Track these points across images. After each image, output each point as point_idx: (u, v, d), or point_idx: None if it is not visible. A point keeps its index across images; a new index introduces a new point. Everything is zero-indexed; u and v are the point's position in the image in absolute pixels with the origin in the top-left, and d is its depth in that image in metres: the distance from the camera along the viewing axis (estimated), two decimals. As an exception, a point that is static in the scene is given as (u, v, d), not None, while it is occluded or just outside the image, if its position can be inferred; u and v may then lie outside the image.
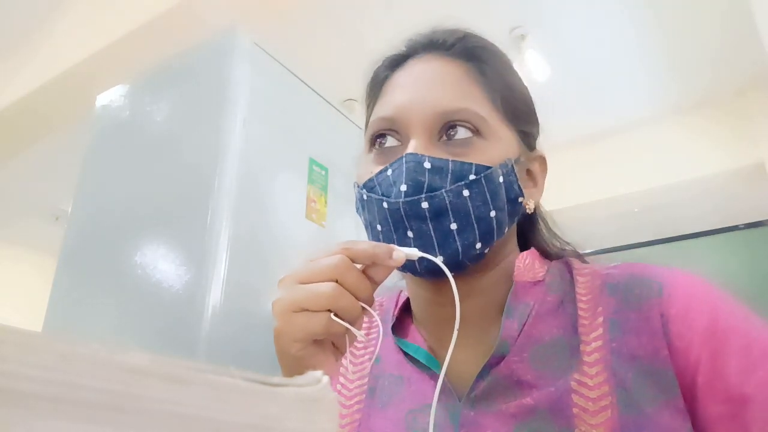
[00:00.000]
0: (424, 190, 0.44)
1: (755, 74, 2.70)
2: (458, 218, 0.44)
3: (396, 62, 0.53)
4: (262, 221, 1.14)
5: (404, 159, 0.45)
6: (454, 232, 0.44)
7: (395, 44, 0.55)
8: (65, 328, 1.23)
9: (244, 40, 1.25)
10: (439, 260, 0.43)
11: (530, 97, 0.55)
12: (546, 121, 0.55)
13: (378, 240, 0.47)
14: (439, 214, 0.44)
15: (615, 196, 3.14)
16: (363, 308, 0.40)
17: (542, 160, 0.54)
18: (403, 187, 0.44)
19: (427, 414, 0.44)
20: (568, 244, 0.55)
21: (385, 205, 0.45)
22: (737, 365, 0.38)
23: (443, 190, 0.44)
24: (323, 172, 1.33)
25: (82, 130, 1.59)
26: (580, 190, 3.08)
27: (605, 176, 3.17)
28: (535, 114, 0.55)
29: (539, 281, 0.49)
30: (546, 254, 0.54)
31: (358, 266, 0.41)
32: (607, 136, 3.21)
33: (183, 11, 1.78)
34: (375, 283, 0.42)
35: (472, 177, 0.45)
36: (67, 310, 1.26)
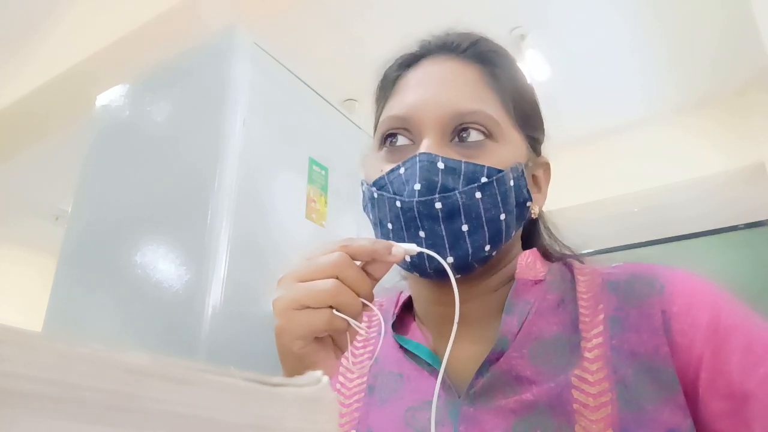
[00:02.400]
0: (438, 191, 0.44)
1: (755, 74, 2.70)
2: (470, 220, 0.45)
3: (408, 62, 0.53)
4: (262, 221, 1.14)
5: (417, 158, 0.45)
6: (465, 233, 0.45)
7: (398, 44, 0.55)
8: (65, 328, 1.23)
9: (244, 40, 1.25)
10: (440, 257, 0.44)
11: (538, 103, 0.55)
12: (546, 121, 0.56)
13: (388, 238, 0.47)
14: (451, 214, 0.44)
15: (615, 196, 3.14)
16: (363, 305, 0.40)
17: (547, 167, 0.55)
18: (417, 186, 0.44)
19: (426, 411, 0.44)
20: (567, 248, 0.56)
21: (398, 203, 0.45)
22: (739, 362, 0.38)
23: (456, 191, 0.44)
24: (323, 172, 1.33)
25: (82, 130, 1.59)
26: (580, 190, 3.08)
27: (605, 176, 3.17)
28: (542, 120, 0.55)
29: (540, 280, 0.49)
30: (547, 256, 0.54)
31: (357, 263, 0.41)
32: (606, 136, 3.20)
33: (183, 11, 1.78)
34: (374, 280, 0.42)
35: (484, 179, 0.45)
36: (67, 310, 1.26)
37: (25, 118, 2.33)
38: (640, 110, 3.05)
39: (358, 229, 1.41)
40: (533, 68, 2.56)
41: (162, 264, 1.10)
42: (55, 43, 2.24)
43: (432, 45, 0.53)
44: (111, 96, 1.50)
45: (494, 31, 0.55)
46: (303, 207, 1.24)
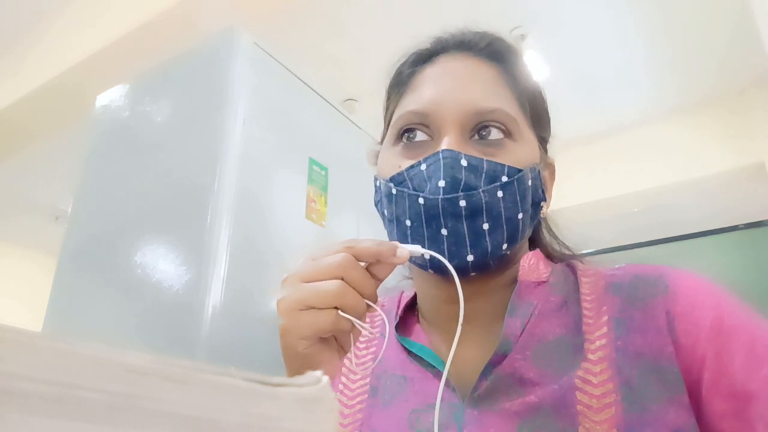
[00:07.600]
0: (461, 188, 0.44)
1: (756, 74, 2.70)
2: (491, 218, 0.45)
3: (423, 58, 0.53)
4: (262, 221, 1.14)
5: (441, 155, 0.45)
6: (486, 232, 0.45)
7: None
8: (65, 328, 1.23)
9: (244, 40, 1.25)
10: (461, 256, 0.44)
11: (547, 103, 0.55)
12: (547, 121, 0.56)
13: (405, 235, 0.47)
14: (474, 213, 0.44)
15: (615, 196, 3.14)
16: (367, 305, 0.40)
17: (552, 168, 0.55)
18: (441, 183, 0.44)
19: (430, 413, 0.44)
20: (567, 247, 0.56)
21: (420, 200, 0.45)
22: (742, 362, 0.38)
23: (480, 190, 0.44)
24: (323, 172, 1.33)
25: (82, 130, 1.59)
26: (580, 190, 3.08)
27: (605, 176, 3.17)
28: (550, 120, 0.55)
29: (543, 282, 0.49)
30: (550, 256, 0.54)
31: (362, 264, 0.41)
32: (607, 136, 3.21)
33: (183, 11, 1.78)
34: (378, 281, 0.42)
35: (505, 178, 0.45)
36: (67, 309, 1.26)
37: (25, 118, 2.33)
38: (640, 110, 3.05)
39: (358, 229, 1.41)
40: (533, 68, 2.56)
41: (162, 264, 1.10)
42: (55, 43, 2.24)
43: (448, 42, 0.53)
44: (111, 96, 1.50)
45: (494, 31, 0.55)
46: (303, 207, 1.24)
